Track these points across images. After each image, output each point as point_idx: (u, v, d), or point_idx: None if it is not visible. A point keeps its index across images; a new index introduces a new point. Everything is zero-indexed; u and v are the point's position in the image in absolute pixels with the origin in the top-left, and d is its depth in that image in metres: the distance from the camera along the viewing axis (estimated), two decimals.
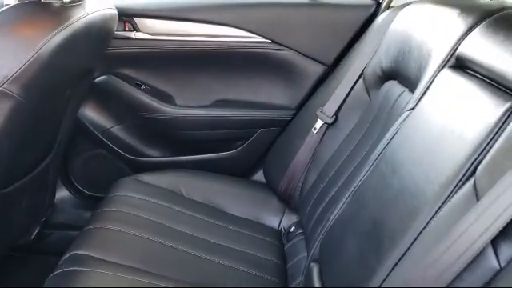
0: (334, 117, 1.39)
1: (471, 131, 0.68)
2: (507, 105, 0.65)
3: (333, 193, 1.16)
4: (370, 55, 1.36)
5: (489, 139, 0.65)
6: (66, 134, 1.45)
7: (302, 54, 1.57)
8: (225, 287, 1.08)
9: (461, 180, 0.66)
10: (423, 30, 1.08)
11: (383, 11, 1.49)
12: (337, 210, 1.01)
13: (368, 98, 1.32)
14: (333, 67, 1.54)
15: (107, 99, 1.62)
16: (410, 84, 1.07)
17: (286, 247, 1.36)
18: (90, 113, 1.63)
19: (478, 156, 0.65)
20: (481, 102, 0.71)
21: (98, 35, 1.25)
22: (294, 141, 1.50)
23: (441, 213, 0.66)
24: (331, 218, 1.02)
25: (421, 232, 0.68)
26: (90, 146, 1.68)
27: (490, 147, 0.64)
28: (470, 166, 0.66)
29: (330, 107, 1.41)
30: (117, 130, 1.67)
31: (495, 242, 0.60)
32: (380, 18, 1.43)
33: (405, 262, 0.68)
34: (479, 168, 0.64)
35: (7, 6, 1.01)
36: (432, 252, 0.62)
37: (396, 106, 1.11)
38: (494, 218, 0.57)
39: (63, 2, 1.08)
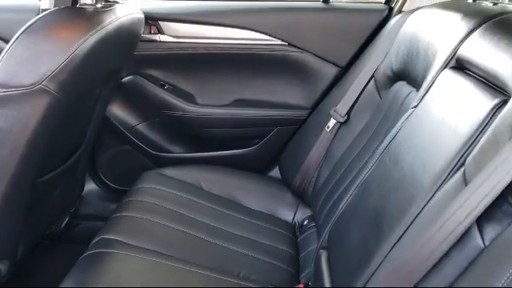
0: (347, 116, 1.46)
1: (463, 125, 0.75)
2: (495, 101, 0.72)
3: (343, 187, 1.22)
4: (381, 57, 1.42)
5: (478, 132, 0.71)
6: (95, 131, 1.55)
7: (317, 56, 1.65)
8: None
9: (452, 169, 0.73)
10: (430, 33, 1.15)
11: (395, 15, 1.55)
12: (344, 201, 1.08)
13: (379, 98, 1.39)
14: (346, 69, 1.61)
15: (133, 98, 1.73)
16: (417, 84, 1.14)
17: (299, 239, 1.43)
18: (117, 111, 1.73)
19: (468, 147, 0.72)
20: (474, 99, 0.78)
21: (126, 38, 1.34)
22: (308, 139, 1.57)
23: (434, 199, 0.73)
24: (339, 208, 1.09)
25: (416, 217, 0.75)
26: (117, 142, 1.78)
27: (479, 139, 0.70)
28: (461, 157, 0.72)
29: (343, 107, 1.47)
30: (142, 127, 1.76)
31: (480, 223, 0.66)
32: (392, 22, 1.49)
33: (400, 244, 0.75)
34: (468, 158, 0.71)
35: (47, 11, 1.11)
36: (424, 234, 0.69)
37: (404, 104, 1.17)
38: (479, 200, 0.64)
39: (96, 8, 1.18)
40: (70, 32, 1.07)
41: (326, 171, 1.46)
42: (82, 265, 1.05)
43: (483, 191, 0.64)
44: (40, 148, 1.10)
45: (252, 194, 1.56)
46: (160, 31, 1.65)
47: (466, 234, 0.66)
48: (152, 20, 1.62)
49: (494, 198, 0.62)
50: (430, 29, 1.16)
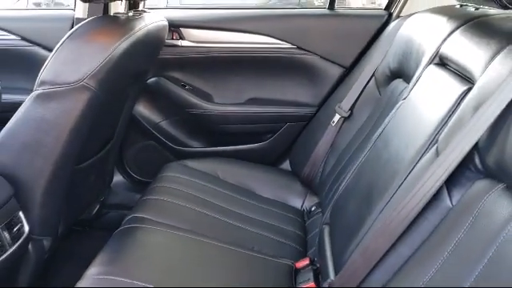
0: (350, 111, 1.61)
1: (438, 110, 0.90)
2: (463, 89, 0.87)
3: (345, 174, 1.37)
4: (381, 58, 1.57)
5: (448, 115, 0.86)
6: (123, 126, 1.72)
7: (323, 58, 1.80)
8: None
9: (428, 147, 0.88)
10: (421, 34, 1.29)
11: (394, 20, 1.70)
12: (345, 182, 1.23)
13: (378, 95, 1.53)
14: (350, 69, 1.76)
15: (157, 98, 1.89)
16: (410, 80, 1.28)
17: (307, 223, 1.57)
18: (143, 109, 1.90)
19: (441, 128, 0.87)
20: (449, 88, 0.93)
21: (153, 43, 1.52)
22: (315, 133, 1.72)
23: (413, 172, 0.88)
24: (340, 188, 1.24)
25: (399, 187, 0.90)
26: (142, 137, 1.95)
27: (449, 120, 0.85)
28: (435, 136, 0.87)
29: (347, 103, 1.62)
30: (165, 124, 1.93)
31: (449, 188, 0.81)
32: (391, 26, 1.64)
33: (386, 209, 0.90)
34: (440, 136, 0.85)
35: (86, 20, 1.29)
36: (404, 199, 0.84)
37: (398, 98, 1.31)
38: (446, 168, 0.79)
39: (128, 16, 1.35)
40: (107, 37, 1.24)
41: (331, 162, 1.60)
42: (118, 237, 1.21)
43: (449, 160, 0.78)
44: (80, 137, 1.28)
45: (264, 184, 1.70)
46: (181, 37, 1.82)
47: (438, 197, 0.81)
48: (174, 27, 1.79)
49: (457, 165, 0.77)
50: (422, 31, 1.31)
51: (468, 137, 0.76)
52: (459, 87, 0.88)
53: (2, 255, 1.14)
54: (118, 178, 1.96)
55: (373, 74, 1.58)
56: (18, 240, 1.20)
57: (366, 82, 1.59)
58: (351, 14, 1.84)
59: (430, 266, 0.76)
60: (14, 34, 1.85)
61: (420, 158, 0.88)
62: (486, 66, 0.83)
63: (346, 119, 1.62)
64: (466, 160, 0.78)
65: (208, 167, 1.69)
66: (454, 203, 0.80)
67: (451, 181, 0.80)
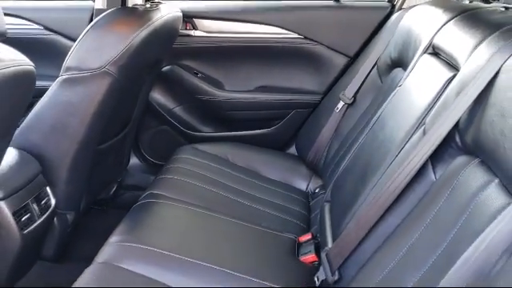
0: (353, 98, 1.70)
1: (427, 95, 0.99)
2: (450, 75, 0.96)
3: (346, 155, 1.46)
4: (383, 47, 1.65)
5: (435, 99, 0.95)
6: (139, 112, 1.83)
7: (329, 48, 1.89)
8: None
9: (416, 127, 0.97)
10: (419, 25, 1.38)
11: (396, 11, 1.78)
12: (344, 163, 1.33)
13: (380, 83, 1.62)
14: (354, 58, 1.84)
15: (171, 85, 2.00)
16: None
17: (311, 204, 1.67)
18: (157, 96, 2.01)
19: (429, 110, 0.96)
20: (437, 75, 1.02)
21: (168, 33, 1.62)
22: (320, 119, 1.81)
23: (402, 150, 0.97)
24: (340, 168, 1.34)
25: (390, 164, 1.00)
26: (157, 122, 2.06)
27: (436, 104, 0.94)
28: (423, 118, 0.97)
29: (350, 91, 1.71)
30: (178, 110, 2.04)
31: (433, 164, 0.91)
32: (393, 18, 1.72)
33: (378, 184, 0.99)
34: (427, 118, 0.95)
35: (108, 11, 1.39)
36: (394, 173, 0.94)
37: (396, 86, 1.41)
38: (430, 145, 0.88)
39: (146, 7, 1.46)
40: (126, 27, 1.34)
41: (335, 146, 1.69)
42: (136, 210, 1.33)
43: (433, 139, 0.88)
44: (101, 120, 1.39)
45: (271, 167, 1.79)
46: (194, 27, 1.92)
47: (423, 172, 0.91)
48: (187, 17, 1.89)
49: (439, 143, 0.87)
50: (420, 22, 1.39)
51: (450, 118, 0.86)
52: (446, 74, 0.97)
53: (31, 225, 1.26)
54: (133, 160, 2.07)
55: (375, 63, 1.67)
56: (46, 212, 1.32)
57: (368, 71, 1.68)
58: (356, 5, 1.92)
59: (413, 232, 0.85)
60: (37, 23, 1.97)
61: (409, 138, 0.98)
62: (470, 54, 0.92)
63: (349, 106, 1.71)
64: (449, 139, 0.87)
65: (218, 151, 1.79)
66: (437, 177, 0.89)
67: (435, 157, 0.90)
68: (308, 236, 1.35)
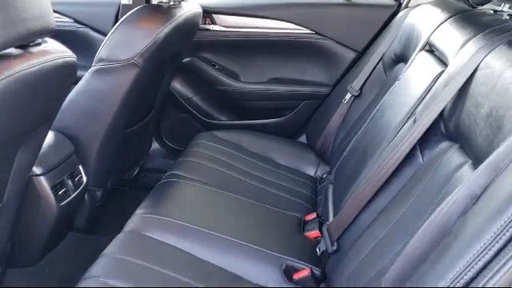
0: (360, 91, 1.81)
1: (419, 88, 1.11)
2: (440, 70, 1.08)
3: (350, 142, 1.59)
4: (389, 43, 1.76)
5: (426, 92, 1.07)
6: (161, 100, 1.97)
7: (339, 43, 2.01)
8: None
9: (409, 117, 1.10)
10: (421, 24, 1.49)
11: (402, 10, 1.89)
12: (348, 148, 1.46)
13: (385, 76, 1.74)
14: (362, 53, 1.96)
15: (190, 76, 2.13)
16: None
17: (318, 188, 1.80)
18: (178, 86, 2.15)
19: (420, 102, 1.08)
20: (430, 70, 1.14)
21: (189, 28, 1.76)
22: (329, 110, 1.93)
23: (396, 136, 1.10)
24: (343, 154, 1.47)
25: (385, 148, 1.12)
26: (176, 110, 2.20)
27: (425, 96, 1.07)
28: (415, 108, 1.09)
29: (357, 83, 1.83)
30: (196, 99, 2.18)
31: (421, 149, 1.03)
32: (399, 15, 1.83)
33: (373, 166, 1.12)
34: (418, 109, 1.07)
35: (136, 8, 1.53)
36: (387, 157, 1.07)
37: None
38: (418, 132, 1.01)
39: (169, 4, 1.59)
40: (152, 23, 1.48)
41: (341, 135, 1.81)
42: (159, 188, 1.48)
43: (421, 126, 1.01)
44: (128, 106, 1.54)
45: (282, 154, 1.91)
46: (213, 22, 2.05)
47: (412, 156, 1.04)
48: (207, 13, 2.02)
49: (426, 130, 0.99)
50: (422, 21, 1.50)
51: (436, 108, 0.98)
52: (437, 69, 1.09)
53: (66, 198, 1.41)
54: (155, 145, 2.22)
55: (381, 58, 1.78)
56: (78, 188, 1.48)
57: (374, 65, 1.79)
58: (365, 3, 2.03)
59: (402, 207, 0.98)
60: (68, 16, 2.12)
61: (402, 126, 1.10)
62: (458, 52, 1.04)
63: (356, 98, 1.83)
64: (434, 126, 1.00)
65: (234, 138, 1.92)
66: (424, 160, 1.02)
67: (423, 143, 1.02)
68: (313, 215, 1.49)
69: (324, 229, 1.23)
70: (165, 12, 1.55)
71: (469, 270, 0.52)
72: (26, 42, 0.91)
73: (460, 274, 0.53)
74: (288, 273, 1.22)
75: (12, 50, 0.89)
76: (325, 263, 1.21)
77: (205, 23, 2.05)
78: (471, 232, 0.55)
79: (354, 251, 1.06)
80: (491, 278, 0.50)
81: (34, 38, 0.93)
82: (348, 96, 1.84)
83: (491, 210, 0.54)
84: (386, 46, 1.77)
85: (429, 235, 0.67)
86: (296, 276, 1.21)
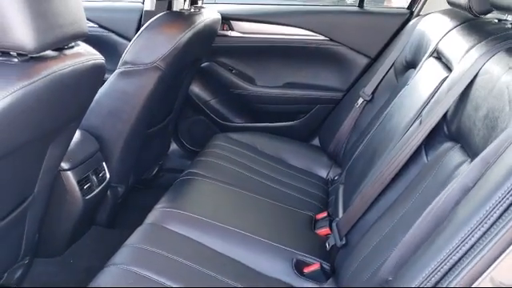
0: (372, 95, 1.88)
1: (425, 92, 1.17)
2: (445, 75, 1.14)
3: (361, 144, 1.65)
4: (400, 50, 1.83)
5: (431, 96, 1.14)
6: (180, 103, 2.06)
7: (352, 49, 2.07)
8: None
9: (415, 119, 1.16)
10: (430, 31, 1.55)
11: (414, 18, 1.95)
12: (358, 150, 1.52)
13: (396, 82, 1.79)
14: (375, 59, 2.02)
15: (208, 80, 2.22)
16: None
17: (330, 189, 1.86)
18: (196, 89, 2.23)
19: (426, 105, 1.14)
20: (436, 75, 1.20)
21: (208, 34, 1.84)
22: (342, 114, 2.00)
23: (403, 137, 1.16)
24: (354, 156, 1.53)
25: (393, 149, 1.18)
26: (194, 113, 2.29)
27: (431, 100, 1.13)
28: (421, 111, 1.15)
29: (369, 88, 1.89)
30: (213, 102, 2.26)
31: (426, 149, 1.09)
32: (411, 23, 1.89)
33: (381, 165, 1.18)
34: (424, 112, 1.13)
35: (159, 15, 1.62)
36: (394, 157, 1.13)
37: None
38: (424, 133, 1.07)
39: (190, 11, 1.68)
40: (174, 29, 1.57)
41: (353, 138, 1.88)
42: (178, 185, 1.56)
43: (426, 128, 1.07)
44: (150, 107, 1.62)
45: (295, 156, 1.98)
46: (231, 28, 2.14)
47: (417, 156, 1.10)
48: (225, 20, 2.10)
49: (430, 131, 1.05)
50: (431, 29, 1.56)
51: (440, 111, 1.04)
52: (442, 74, 1.15)
53: (91, 193, 1.50)
54: (173, 146, 2.30)
55: (392, 64, 1.84)
56: (102, 184, 1.56)
57: (386, 71, 1.86)
58: (378, 11, 2.09)
59: (406, 204, 1.04)
60: (92, 21, 2.23)
61: (409, 128, 1.17)
62: (462, 58, 1.10)
63: (367, 102, 1.89)
64: (439, 128, 1.06)
65: (248, 139, 1.98)
66: (428, 160, 1.08)
67: (428, 144, 1.09)
68: (324, 214, 1.55)
69: (333, 224, 1.29)
70: (186, 18, 1.64)
71: (454, 255, 0.59)
72: (61, 46, 1.00)
73: (447, 257, 0.59)
74: (299, 267, 1.28)
75: (49, 52, 0.98)
76: (334, 257, 1.27)
77: (223, 29, 2.13)
78: (460, 220, 0.62)
79: (361, 245, 1.12)
80: (473, 258, 0.57)
81: (69, 41, 1.02)
82: (360, 100, 1.90)
83: (478, 200, 0.61)
84: (398, 52, 1.83)
85: (426, 225, 0.74)
86: (306, 270, 1.27)
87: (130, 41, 1.83)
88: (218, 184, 1.58)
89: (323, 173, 1.96)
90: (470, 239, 0.58)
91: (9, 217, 1.15)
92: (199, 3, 1.83)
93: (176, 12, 1.69)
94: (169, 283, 1.08)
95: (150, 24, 1.57)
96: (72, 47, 1.05)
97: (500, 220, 0.56)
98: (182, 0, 1.90)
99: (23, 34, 0.86)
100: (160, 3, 1.94)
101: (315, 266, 1.28)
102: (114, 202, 1.70)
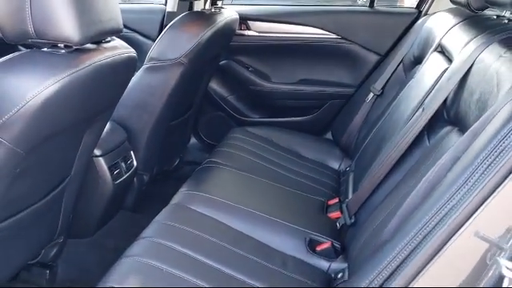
0: (381, 90, 1.98)
1: (428, 83, 1.28)
2: (446, 66, 1.24)
3: (370, 135, 1.75)
4: (409, 47, 1.93)
5: (434, 84, 1.24)
6: (200, 98, 2.19)
7: (363, 47, 2.18)
8: None
9: (418, 107, 1.26)
10: (436, 29, 1.65)
11: (422, 17, 2.04)
12: (367, 141, 1.62)
13: (404, 77, 1.89)
14: (385, 56, 2.12)
15: (226, 77, 2.34)
16: None
17: (341, 179, 1.96)
18: (214, 85, 2.36)
19: (428, 94, 1.24)
20: (438, 67, 1.30)
21: (228, 32, 1.96)
22: (353, 108, 2.10)
23: (407, 124, 1.26)
24: (363, 146, 1.63)
25: (398, 134, 1.29)
26: (213, 108, 2.41)
27: (433, 89, 1.23)
28: (424, 100, 1.25)
29: (379, 84, 1.99)
30: (231, 98, 2.38)
31: (428, 133, 1.19)
32: (419, 22, 1.99)
33: (388, 148, 1.29)
34: (426, 100, 1.23)
35: (182, 14, 1.75)
36: (399, 140, 1.23)
37: None
38: (426, 119, 1.17)
39: (211, 11, 1.81)
40: (196, 28, 1.70)
41: (364, 131, 1.97)
42: (199, 171, 1.68)
43: (427, 114, 1.17)
44: (174, 100, 1.75)
45: (308, 148, 2.07)
46: (248, 27, 2.26)
47: (420, 140, 1.20)
48: (243, 19, 2.22)
49: (431, 117, 1.15)
50: (437, 26, 1.66)
51: (440, 98, 1.15)
52: (444, 66, 1.26)
53: (120, 178, 1.63)
54: (192, 140, 2.42)
55: (401, 60, 1.94)
56: (129, 171, 1.69)
57: (395, 67, 1.96)
58: (388, 11, 2.20)
59: (409, 184, 1.14)
60: None
61: (413, 115, 1.27)
62: (461, 50, 1.20)
63: (378, 97, 1.99)
64: (439, 114, 1.16)
65: (264, 133, 2.08)
66: (430, 143, 1.18)
67: (430, 128, 1.19)
68: (336, 200, 1.65)
69: (343, 206, 1.39)
70: (207, 18, 1.77)
71: (442, 210, 0.69)
72: (100, 39, 1.13)
73: (436, 212, 0.70)
74: (311, 245, 1.39)
75: (89, 45, 1.10)
76: (344, 236, 1.38)
77: (241, 29, 2.24)
78: (448, 182, 0.72)
79: (369, 222, 1.23)
80: (459, 213, 0.67)
81: (107, 35, 1.14)
82: (371, 95, 2.01)
83: (463, 165, 0.71)
84: (407, 49, 1.93)
85: (421, 193, 0.84)
86: (318, 248, 1.38)
87: (152, 40, 1.97)
88: (236, 171, 1.69)
89: (335, 165, 2.05)
90: (456, 196, 0.68)
91: (50, 195, 1.29)
92: (219, 4, 1.96)
93: (198, 12, 1.82)
94: (192, 254, 1.20)
95: (174, 23, 1.70)
96: (109, 41, 1.18)
97: (481, 178, 0.66)
98: (201, 1, 2.03)
99: (70, 28, 0.98)
100: (182, 4, 2.07)
101: (327, 245, 1.38)
102: (139, 189, 1.83)
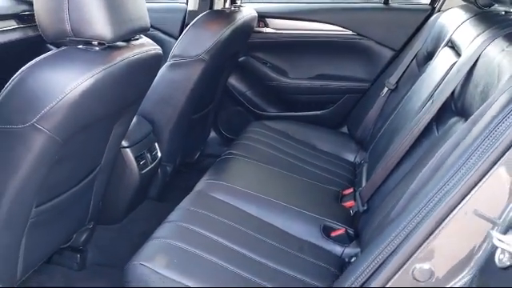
0: (396, 85, 2.04)
1: (438, 75, 1.34)
2: (455, 60, 1.30)
3: (384, 126, 1.81)
4: (422, 42, 1.98)
5: (443, 77, 1.30)
6: (220, 93, 2.27)
7: (378, 43, 2.24)
8: None
9: (428, 99, 1.32)
10: (448, 24, 1.70)
11: (436, 13, 2.09)
12: (380, 133, 1.69)
13: (418, 72, 1.95)
14: (399, 52, 2.17)
15: (245, 72, 2.42)
16: None
17: (356, 171, 2.03)
18: (234, 81, 2.44)
19: (437, 87, 1.31)
20: (447, 61, 1.36)
21: (246, 29, 2.05)
22: (368, 103, 2.16)
23: (418, 115, 1.33)
24: (377, 137, 1.70)
25: (409, 125, 1.35)
26: (232, 103, 2.49)
27: (442, 82, 1.29)
28: (433, 92, 1.32)
29: (394, 78, 2.05)
30: (249, 93, 2.46)
31: (437, 124, 1.26)
32: (432, 18, 2.04)
33: (399, 139, 1.35)
34: (435, 92, 1.30)
35: (203, 13, 1.84)
36: (410, 131, 1.30)
37: None
38: (435, 110, 1.23)
39: (231, 10, 1.89)
40: (217, 25, 1.78)
41: (379, 124, 2.04)
42: (220, 162, 1.77)
43: (436, 105, 1.24)
44: (196, 94, 1.84)
45: (324, 141, 2.13)
46: (266, 25, 2.33)
47: (429, 130, 1.27)
48: (261, 17, 2.29)
49: (439, 108, 1.22)
50: (449, 22, 1.71)
51: (448, 90, 1.21)
52: (453, 59, 1.32)
53: (145, 168, 1.73)
54: (212, 134, 2.51)
55: (415, 56, 2.00)
56: (154, 161, 1.79)
57: (409, 62, 2.01)
58: (402, 7, 2.25)
59: (419, 172, 1.21)
60: None
61: (423, 107, 1.33)
62: (469, 45, 1.26)
63: (392, 91, 2.05)
64: (447, 105, 1.22)
65: (281, 127, 2.16)
66: (439, 133, 1.24)
67: (438, 119, 1.25)
68: (350, 190, 1.72)
69: (357, 194, 1.47)
70: (227, 16, 1.85)
71: (442, 189, 0.76)
72: (130, 37, 1.22)
73: (437, 192, 0.77)
74: (326, 231, 1.46)
75: (119, 43, 1.20)
76: (357, 223, 1.45)
77: (259, 26, 2.32)
78: (448, 165, 0.80)
79: (381, 208, 1.30)
80: (457, 192, 0.74)
81: (136, 34, 1.24)
82: (385, 90, 2.06)
83: (462, 149, 0.78)
84: (420, 44, 1.99)
85: (426, 176, 0.92)
86: (333, 234, 1.45)
87: (174, 38, 2.06)
88: (254, 162, 1.78)
89: (351, 157, 2.11)
90: (455, 177, 0.75)
91: (82, 183, 1.39)
92: (238, 2, 2.04)
93: (218, 10, 1.90)
94: (215, 237, 1.29)
95: (196, 22, 1.79)
96: (137, 39, 1.27)
97: (477, 160, 0.73)
98: (221, 0, 2.12)
99: (103, 27, 1.07)
100: (203, 3, 2.16)
101: (341, 231, 1.46)
102: (163, 179, 1.93)
